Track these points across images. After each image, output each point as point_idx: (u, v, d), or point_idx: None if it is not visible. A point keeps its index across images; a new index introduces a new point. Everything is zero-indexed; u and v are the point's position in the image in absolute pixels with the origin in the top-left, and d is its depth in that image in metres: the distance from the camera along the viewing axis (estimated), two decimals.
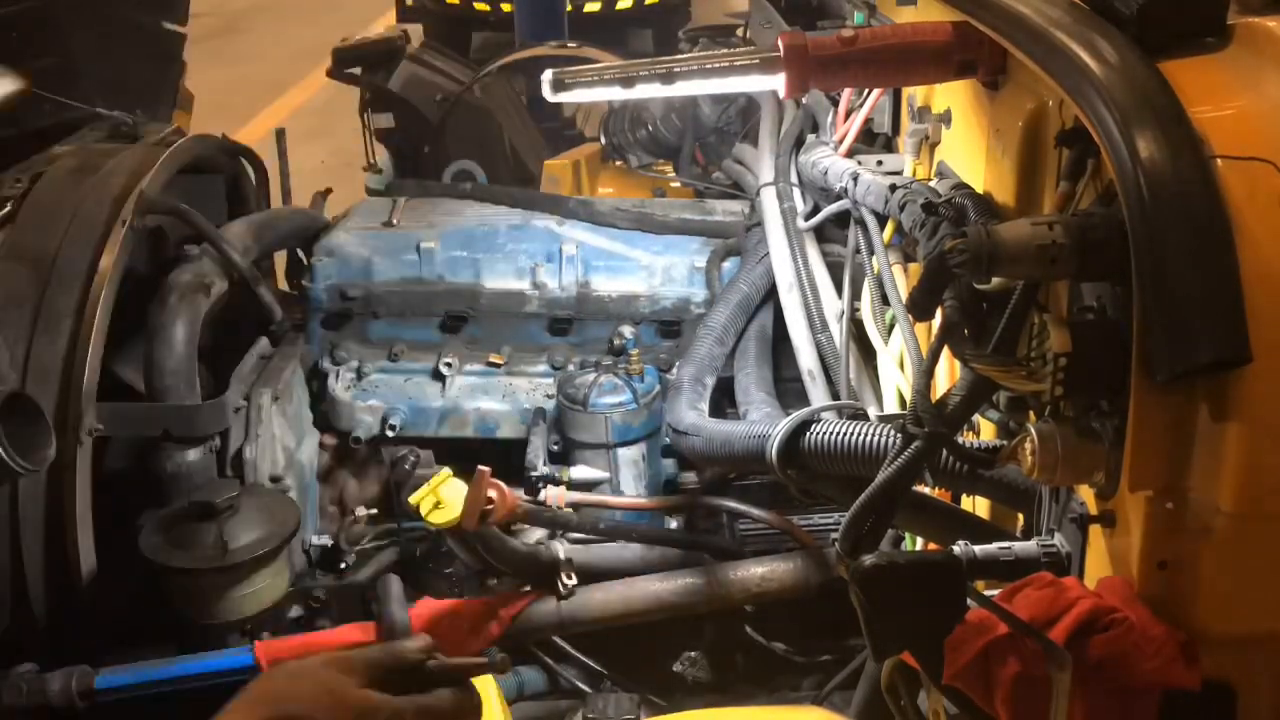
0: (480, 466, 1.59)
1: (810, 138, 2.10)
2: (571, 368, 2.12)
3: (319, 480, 2.08)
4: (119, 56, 2.59)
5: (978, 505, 1.47)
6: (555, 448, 1.96)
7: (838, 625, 1.78)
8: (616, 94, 1.44)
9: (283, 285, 2.42)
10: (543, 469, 1.86)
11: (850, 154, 1.83)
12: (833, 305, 1.85)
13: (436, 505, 1.59)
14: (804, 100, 2.16)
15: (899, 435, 1.13)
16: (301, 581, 1.86)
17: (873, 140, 1.90)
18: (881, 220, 1.61)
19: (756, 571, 1.71)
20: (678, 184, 2.97)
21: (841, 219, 1.84)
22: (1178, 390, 0.93)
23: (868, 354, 1.73)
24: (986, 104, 1.39)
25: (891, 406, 1.63)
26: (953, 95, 1.55)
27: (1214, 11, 1.07)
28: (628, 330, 2.11)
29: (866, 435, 1.38)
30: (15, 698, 1.54)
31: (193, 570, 1.67)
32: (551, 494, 1.77)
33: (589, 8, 5.78)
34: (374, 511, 2.06)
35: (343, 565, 1.92)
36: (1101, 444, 1.02)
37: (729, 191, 2.57)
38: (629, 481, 1.92)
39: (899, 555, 1.14)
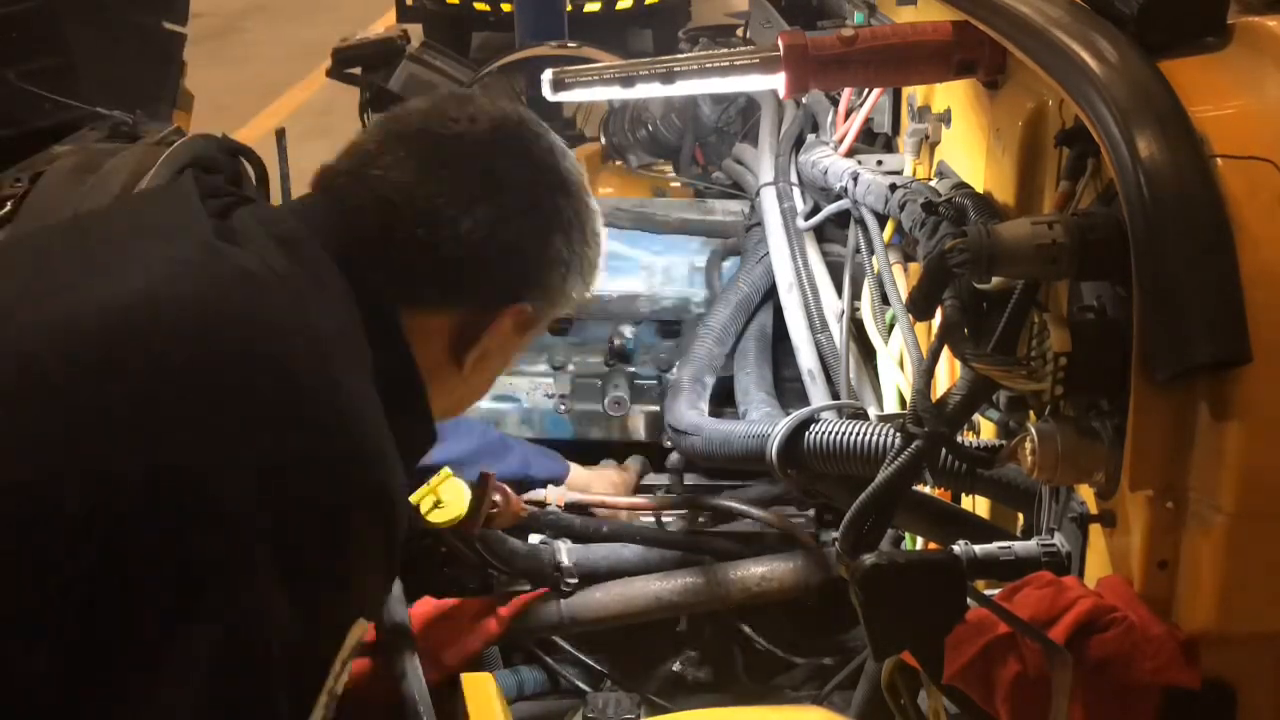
0: (484, 471, 1.59)
1: (810, 137, 2.10)
2: (571, 367, 2.12)
3: None
4: (119, 56, 2.59)
5: (978, 505, 1.47)
6: None
7: (837, 625, 1.78)
8: (616, 94, 1.44)
9: None
10: None
11: (850, 154, 1.83)
12: (833, 305, 1.85)
13: (437, 505, 1.58)
14: (804, 100, 2.16)
15: (899, 435, 1.13)
16: None
17: (873, 140, 1.90)
18: (881, 220, 1.61)
19: (756, 571, 1.71)
20: (678, 184, 2.97)
21: (841, 219, 1.84)
22: (1178, 390, 0.93)
23: (868, 354, 1.73)
24: (986, 104, 1.39)
25: (891, 406, 1.63)
26: (953, 95, 1.55)
27: (1214, 11, 1.07)
28: (628, 330, 2.11)
29: (866, 435, 1.38)
30: None
31: None
32: (552, 494, 1.77)
33: (589, 8, 5.78)
34: None
35: None
36: (1101, 443, 1.02)
37: (729, 191, 2.57)
38: None
39: (899, 555, 1.14)
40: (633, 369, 2.11)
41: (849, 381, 1.72)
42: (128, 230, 1.09)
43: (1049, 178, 1.21)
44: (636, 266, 2.15)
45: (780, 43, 1.35)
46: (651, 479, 1.96)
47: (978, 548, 1.10)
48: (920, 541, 1.56)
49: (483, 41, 6.07)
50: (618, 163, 3.13)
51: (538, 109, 3.67)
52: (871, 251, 1.64)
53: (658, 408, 2.04)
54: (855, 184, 1.66)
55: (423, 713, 1.50)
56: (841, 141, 1.86)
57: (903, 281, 1.57)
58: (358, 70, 3.08)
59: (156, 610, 0.84)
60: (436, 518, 1.58)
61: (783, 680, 1.83)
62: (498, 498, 1.59)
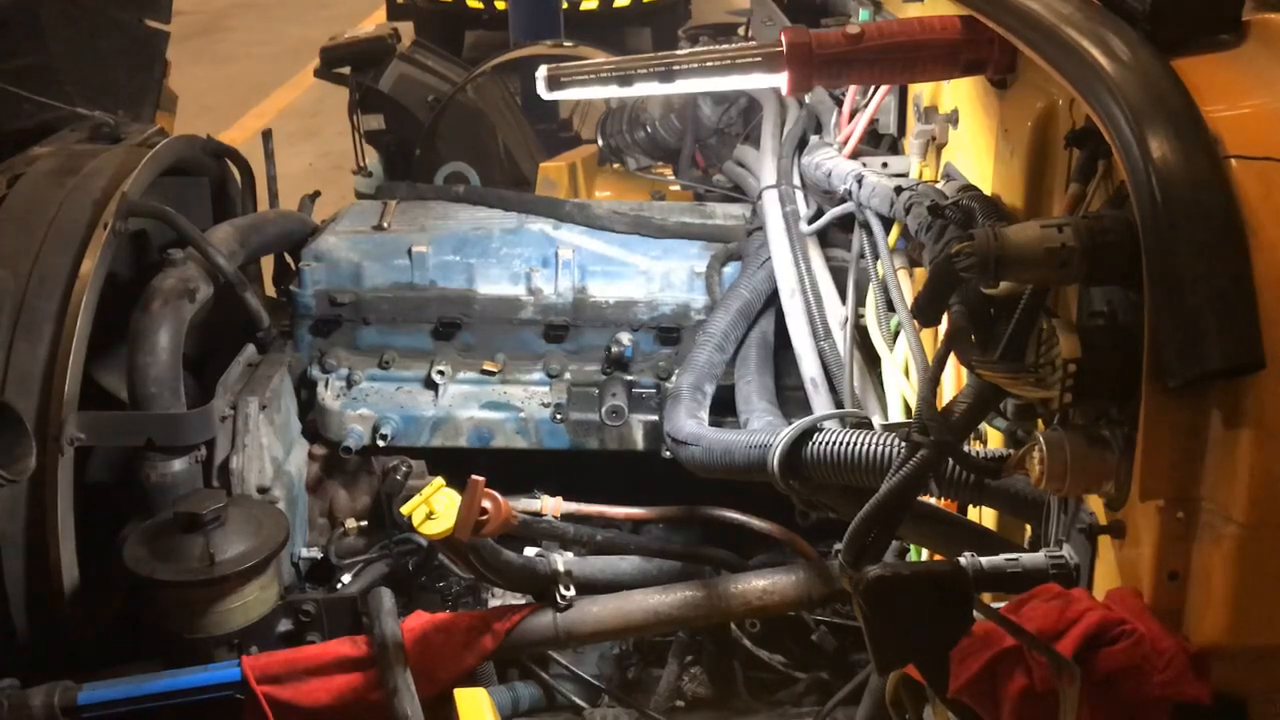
0: (474, 476, 1.56)
1: (813, 139, 2.08)
2: (568, 375, 2.10)
3: (308, 491, 2.06)
4: (100, 55, 2.56)
5: (984, 516, 1.45)
6: None
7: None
8: (614, 92, 1.42)
9: (270, 291, 2.40)
10: None
11: (855, 155, 1.82)
12: (836, 311, 1.83)
13: (429, 516, 1.56)
14: (807, 100, 2.15)
15: (904, 444, 1.12)
16: (290, 595, 1.83)
17: (878, 141, 1.89)
18: (887, 223, 1.60)
19: (757, 584, 1.69)
20: (677, 187, 2.95)
21: (845, 222, 1.82)
22: (1189, 397, 0.92)
23: (872, 361, 1.71)
24: (995, 103, 1.37)
25: (896, 415, 1.61)
26: (960, 94, 1.53)
27: (1229, 7, 1.06)
28: (626, 337, 2.09)
29: (871, 444, 1.36)
30: None
31: (179, 583, 1.64)
32: (548, 504, 1.75)
33: (585, 5, 5.77)
34: (364, 523, 2.04)
35: (339, 584, 1.90)
36: (1111, 452, 1.01)
37: (730, 194, 2.55)
38: None
39: (904, 566, 1.13)
40: (631, 377, 2.09)
41: (853, 390, 1.70)
42: None
43: (1059, 180, 1.20)
44: (635, 272, 2.13)
45: (784, 39, 1.33)
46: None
47: (984, 559, 1.08)
48: (925, 553, 1.54)
49: (476, 40, 6.06)
50: (615, 165, 3.12)
51: (533, 109, 3.66)
52: (876, 256, 1.62)
53: (656, 417, 2.02)
54: (860, 186, 1.64)
55: None
56: (846, 143, 1.84)
57: (908, 287, 1.55)
58: (347, 70, 3.05)
59: None
60: (429, 529, 1.56)
61: (784, 695, 1.81)
62: (487, 504, 1.56)
